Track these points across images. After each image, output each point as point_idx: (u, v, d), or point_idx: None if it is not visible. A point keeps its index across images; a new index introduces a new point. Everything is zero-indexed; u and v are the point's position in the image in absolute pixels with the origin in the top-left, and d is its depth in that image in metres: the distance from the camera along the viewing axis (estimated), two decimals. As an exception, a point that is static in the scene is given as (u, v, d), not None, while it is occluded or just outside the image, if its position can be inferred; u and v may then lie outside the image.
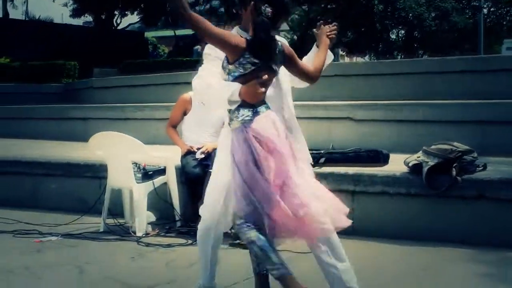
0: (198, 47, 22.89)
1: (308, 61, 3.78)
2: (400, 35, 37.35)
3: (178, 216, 5.92)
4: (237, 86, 3.38)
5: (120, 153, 5.70)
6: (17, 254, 5.10)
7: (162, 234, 5.72)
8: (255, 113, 3.39)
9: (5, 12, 30.90)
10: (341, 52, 20.57)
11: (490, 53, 27.90)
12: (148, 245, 5.34)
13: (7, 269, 4.59)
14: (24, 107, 11.82)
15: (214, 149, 5.85)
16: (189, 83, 7.13)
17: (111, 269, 4.64)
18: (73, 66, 17.11)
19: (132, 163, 5.75)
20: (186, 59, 19.28)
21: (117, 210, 6.15)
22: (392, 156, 6.02)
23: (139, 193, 5.67)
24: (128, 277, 4.37)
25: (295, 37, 36.04)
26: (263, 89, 3.39)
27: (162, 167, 5.97)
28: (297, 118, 7.25)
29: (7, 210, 6.74)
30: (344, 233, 5.43)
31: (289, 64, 3.55)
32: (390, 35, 36.54)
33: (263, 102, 3.46)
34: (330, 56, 3.92)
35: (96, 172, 6.70)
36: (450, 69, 8.56)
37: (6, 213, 6.58)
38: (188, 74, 11.08)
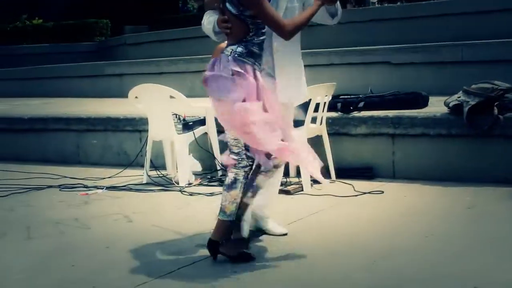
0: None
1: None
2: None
3: (219, 165, 5.97)
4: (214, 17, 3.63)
5: (160, 105, 5.74)
6: (65, 207, 5.22)
7: (205, 183, 5.79)
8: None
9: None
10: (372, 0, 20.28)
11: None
12: (191, 194, 5.42)
13: (56, 221, 4.71)
14: (58, 66, 11.95)
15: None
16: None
17: (158, 217, 4.73)
18: (105, 24, 17.10)
19: (172, 114, 5.79)
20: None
21: (158, 162, 6.23)
22: (432, 99, 5.99)
23: (180, 144, 5.73)
24: (175, 225, 4.45)
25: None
26: (223, 28, 3.54)
27: (202, 118, 6.01)
28: (332, 64, 7.23)
29: (52, 166, 6.89)
30: (385, 176, 5.54)
31: (247, 9, 3.43)
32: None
33: (235, 41, 3.51)
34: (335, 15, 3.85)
35: (136, 126, 6.78)
36: (485, 8, 8.39)
37: (51, 169, 6.73)
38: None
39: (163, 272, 3.45)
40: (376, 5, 20.20)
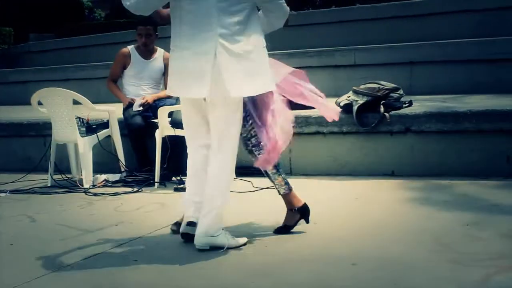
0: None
1: None
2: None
3: (123, 167, 6.12)
4: None
5: (64, 108, 5.84)
6: (-33, 210, 5.24)
7: (109, 184, 5.92)
8: None
9: None
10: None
11: None
12: (95, 194, 5.55)
13: (-41, 223, 4.74)
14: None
15: (154, 101, 6.10)
16: (127, 42, 7.32)
17: (62, 217, 4.84)
18: (8, 32, 16.83)
19: (76, 118, 5.89)
20: (124, 20, 19.08)
21: (62, 165, 6.31)
22: (327, 99, 6.31)
23: (84, 146, 5.84)
24: (79, 222, 4.57)
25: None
26: None
27: (105, 121, 6.14)
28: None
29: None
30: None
31: None
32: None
33: None
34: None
35: (39, 131, 6.84)
36: (381, 15, 8.90)
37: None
38: (125, 33, 11.21)
39: (64, 264, 3.59)
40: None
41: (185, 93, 3.79)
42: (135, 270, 3.47)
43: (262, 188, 5.38)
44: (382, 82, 5.72)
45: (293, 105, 5.75)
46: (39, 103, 6.06)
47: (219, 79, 3.52)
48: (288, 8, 3.83)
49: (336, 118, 4.25)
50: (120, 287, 3.22)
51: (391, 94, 5.63)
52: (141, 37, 6.25)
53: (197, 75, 3.57)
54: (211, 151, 3.80)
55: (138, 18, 6.59)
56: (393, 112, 5.54)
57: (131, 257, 3.68)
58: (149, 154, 6.01)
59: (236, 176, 5.73)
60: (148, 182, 5.78)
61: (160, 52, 6.46)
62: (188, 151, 3.98)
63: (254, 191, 5.38)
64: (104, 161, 6.18)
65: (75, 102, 5.94)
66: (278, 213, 4.18)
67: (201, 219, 3.74)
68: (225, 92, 3.55)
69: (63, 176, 6.13)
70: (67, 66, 10.16)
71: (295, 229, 4.08)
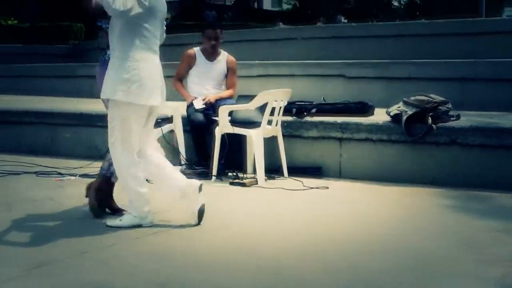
0: (213, 12, 23.31)
1: None
2: (402, 2, 37.75)
3: (183, 160, 6.55)
4: None
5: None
6: (42, 189, 5.76)
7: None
8: None
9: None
10: (343, 20, 21.13)
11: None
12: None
13: (34, 199, 5.26)
14: (33, 65, 12.40)
15: (216, 100, 6.53)
16: (192, 44, 7.75)
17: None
18: (79, 28, 17.60)
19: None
20: (191, 22, 19.71)
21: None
22: (379, 109, 6.64)
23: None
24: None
25: None
26: None
27: (169, 116, 6.59)
28: (294, 75, 7.94)
29: (26, 157, 7.36)
30: (332, 175, 6.18)
31: None
32: (392, 1, 36.96)
33: None
34: None
35: (107, 122, 7.29)
36: (436, 31, 9.16)
37: (25, 159, 7.21)
38: (192, 35, 11.69)
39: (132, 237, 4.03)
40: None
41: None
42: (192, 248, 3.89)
43: (312, 188, 5.73)
44: (432, 95, 6.00)
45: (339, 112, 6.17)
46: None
47: None
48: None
49: None
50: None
51: (440, 107, 5.91)
52: (210, 39, 6.68)
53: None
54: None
55: (207, 21, 7.07)
56: (440, 124, 5.82)
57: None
58: (208, 149, 6.40)
59: (288, 175, 6.16)
60: (206, 175, 6.16)
61: (223, 55, 6.88)
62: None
63: (303, 190, 5.73)
64: (166, 154, 6.60)
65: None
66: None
67: None
68: None
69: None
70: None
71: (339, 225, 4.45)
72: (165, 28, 4.71)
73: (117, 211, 4.75)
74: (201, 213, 4.46)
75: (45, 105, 8.45)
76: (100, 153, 7.05)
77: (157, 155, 4.73)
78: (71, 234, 4.27)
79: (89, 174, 6.39)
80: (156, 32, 4.45)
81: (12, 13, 18.31)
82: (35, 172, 6.53)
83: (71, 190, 5.70)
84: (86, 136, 7.55)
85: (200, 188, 4.48)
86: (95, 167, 6.65)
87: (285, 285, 3.29)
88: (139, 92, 4.32)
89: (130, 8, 4.18)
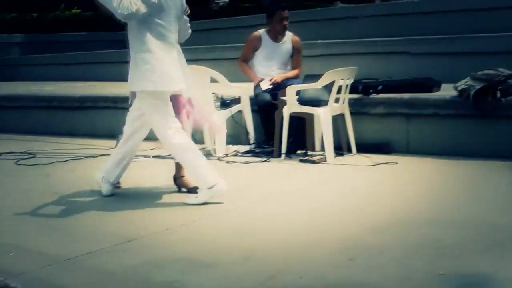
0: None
1: None
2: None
3: (252, 139, 6.71)
4: None
5: (202, 84, 6.48)
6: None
7: (239, 154, 6.53)
8: None
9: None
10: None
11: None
12: (228, 162, 6.18)
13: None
14: (99, 52, 12.75)
15: (283, 80, 6.64)
16: (255, 26, 7.88)
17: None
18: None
19: (212, 93, 6.54)
20: (247, 4, 19.81)
21: (198, 136, 6.95)
22: (446, 85, 6.65)
23: (218, 119, 6.46)
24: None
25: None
26: None
27: (238, 97, 6.75)
28: (358, 54, 7.97)
29: (101, 140, 7.63)
30: (400, 151, 6.24)
31: None
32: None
33: None
34: None
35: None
36: (502, 5, 9.00)
37: (101, 142, 7.51)
38: (253, 17, 11.82)
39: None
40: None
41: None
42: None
43: (381, 164, 5.81)
44: (500, 69, 5.98)
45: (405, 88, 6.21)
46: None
47: None
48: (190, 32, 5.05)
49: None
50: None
51: (508, 81, 5.89)
52: (282, 21, 6.79)
53: None
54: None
55: (264, 2, 7.17)
56: (509, 98, 5.80)
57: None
58: (277, 129, 6.54)
59: (357, 152, 6.25)
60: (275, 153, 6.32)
61: (288, 36, 6.99)
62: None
63: (372, 165, 5.81)
64: (235, 133, 6.80)
65: (212, 80, 6.59)
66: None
67: None
68: None
69: (198, 145, 6.75)
70: (197, 47, 10.87)
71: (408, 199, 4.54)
72: (188, 24, 5.00)
73: (193, 189, 4.94)
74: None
75: (117, 90, 8.70)
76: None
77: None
78: (152, 212, 4.48)
79: (162, 155, 6.62)
80: (171, 26, 4.69)
81: (75, 3, 18.69)
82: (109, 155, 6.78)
83: (143, 170, 5.93)
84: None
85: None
86: (167, 148, 6.92)
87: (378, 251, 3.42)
88: (162, 80, 4.59)
89: (136, 10, 4.42)
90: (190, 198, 4.73)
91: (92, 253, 3.54)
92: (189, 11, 4.98)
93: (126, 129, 5.00)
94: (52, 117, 8.77)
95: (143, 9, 4.46)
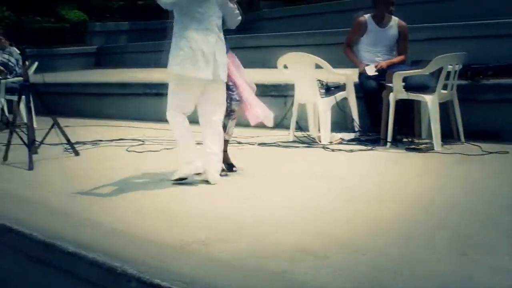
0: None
1: None
2: None
3: (357, 127, 6.67)
4: None
5: (306, 71, 6.51)
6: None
7: (344, 142, 6.50)
8: None
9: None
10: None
11: None
12: (333, 150, 6.17)
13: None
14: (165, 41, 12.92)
15: (388, 66, 6.55)
16: (354, 10, 7.78)
17: (305, 165, 5.59)
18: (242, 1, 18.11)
19: (317, 80, 6.54)
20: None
21: (301, 123, 6.99)
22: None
23: (323, 106, 6.48)
24: (319, 171, 5.29)
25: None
26: None
27: (342, 84, 6.72)
28: (466, 37, 7.71)
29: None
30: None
31: None
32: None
33: None
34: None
35: (281, 91, 7.58)
36: None
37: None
38: (352, 1, 11.69)
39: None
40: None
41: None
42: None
43: (491, 153, 5.64)
44: None
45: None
46: (284, 67, 6.77)
47: None
48: (240, 18, 5.20)
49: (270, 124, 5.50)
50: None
51: None
52: (388, 5, 6.70)
53: None
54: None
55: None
56: None
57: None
58: (381, 116, 6.47)
59: (465, 140, 6.09)
60: (379, 141, 6.25)
61: (394, 20, 6.87)
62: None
63: (482, 154, 5.65)
64: (340, 120, 6.78)
65: (317, 67, 6.58)
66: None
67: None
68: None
69: (303, 133, 6.81)
70: (299, 32, 10.87)
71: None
72: (237, 11, 5.16)
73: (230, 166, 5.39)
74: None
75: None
76: (276, 122, 7.32)
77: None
78: (255, 202, 4.54)
79: (267, 142, 6.71)
80: (210, 12, 4.90)
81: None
82: (217, 141, 6.92)
83: (250, 157, 6.06)
84: (261, 105, 7.83)
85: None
86: (272, 135, 7.00)
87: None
88: (189, 67, 4.86)
89: (173, 1, 4.81)
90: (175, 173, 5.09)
91: (202, 241, 3.60)
92: None
93: None
94: (161, 104, 8.98)
95: None
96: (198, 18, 4.87)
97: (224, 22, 5.11)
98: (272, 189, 4.84)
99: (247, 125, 7.73)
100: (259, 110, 5.40)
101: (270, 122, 5.46)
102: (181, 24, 4.92)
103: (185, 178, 5.04)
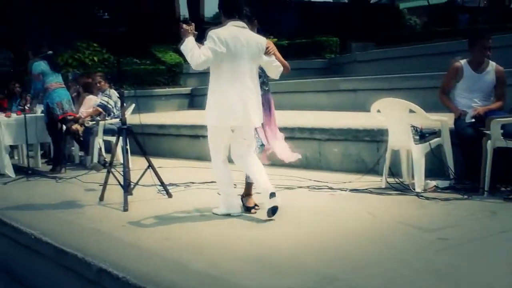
0: (466, 15, 22.67)
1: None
2: None
3: (452, 174, 6.48)
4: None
5: (400, 117, 6.40)
6: (316, 203, 6.08)
7: (439, 190, 6.32)
8: None
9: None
10: None
11: None
12: (427, 198, 6.00)
13: (313, 213, 5.60)
14: (296, 81, 13.03)
15: (485, 112, 6.36)
16: (449, 53, 7.62)
17: (400, 216, 5.40)
18: (334, 42, 18.15)
19: (411, 126, 6.42)
20: (443, 28, 19.31)
21: (394, 169, 6.86)
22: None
23: (417, 153, 6.34)
24: (416, 222, 5.10)
25: None
26: None
27: (437, 130, 6.56)
28: None
29: (297, 170, 7.79)
30: None
31: None
32: None
33: None
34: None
35: (374, 136, 7.49)
36: None
37: (296, 172, 7.65)
38: (448, 44, 11.53)
39: (420, 256, 4.12)
40: None
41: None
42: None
43: None
44: None
45: None
46: (378, 111, 6.70)
47: None
48: (281, 69, 5.66)
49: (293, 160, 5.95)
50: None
51: None
52: (485, 50, 6.53)
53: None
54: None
55: (461, 26, 6.91)
56: None
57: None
58: (478, 164, 6.25)
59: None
60: (476, 190, 6.04)
61: (491, 65, 6.67)
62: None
63: None
64: (434, 167, 6.61)
65: (411, 111, 6.47)
66: None
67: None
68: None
69: (396, 179, 6.68)
70: (392, 76, 10.78)
71: None
72: (275, 64, 5.58)
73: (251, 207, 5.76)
74: (269, 211, 5.37)
75: (312, 120, 8.84)
76: (368, 167, 7.28)
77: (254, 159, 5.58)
78: (350, 251, 4.46)
79: (359, 188, 6.61)
80: (245, 68, 5.32)
81: (270, 31, 19.34)
82: (308, 187, 6.90)
83: (343, 204, 5.94)
84: (354, 150, 7.78)
85: (271, 195, 5.34)
86: (364, 181, 6.91)
87: None
88: (220, 116, 5.37)
89: (204, 60, 5.16)
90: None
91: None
92: (272, 51, 5.55)
93: None
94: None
95: (211, 58, 5.17)
96: (232, 71, 5.29)
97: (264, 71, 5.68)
98: (366, 240, 4.75)
99: (336, 169, 7.76)
100: (283, 154, 5.90)
101: (293, 158, 5.96)
102: (215, 78, 5.39)
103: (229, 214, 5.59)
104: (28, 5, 19.20)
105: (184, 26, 5.35)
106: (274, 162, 8.23)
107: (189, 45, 5.27)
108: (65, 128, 9.48)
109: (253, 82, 5.42)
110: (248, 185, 5.86)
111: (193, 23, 5.42)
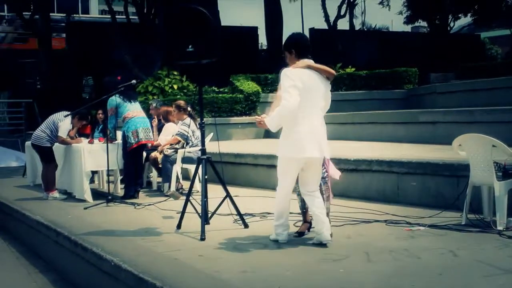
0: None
1: None
2: None
3: (537, 212, 6.26)
4: None
5: (483, 153, 6.25)
6: (393, 239, 5.96)
7: (525, 229, 6.12)
8: None
9: (351, 24, 32.95)
10: None
11: None
12: (510, 237, 5.81)
13: (389, 250, 5.47)
14: (373, 112, 12.95)
15: None
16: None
17: (480, 254, 5.23)
18: (414, 73, 17.98)
19: (493, 162, 6.25)
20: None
21: (474, 206, 6.67)
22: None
23: (500, 190, 6.16)
24: (497, 262, 4.94)
25: None
26: None
27: (520, 166, 6.36)
28: None
29: (374, 204, 7.71)
30: None
31: None
32: None
33: None
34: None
35: (454, 171, 7.32)
36: None
37: (373, 206, 7.56)
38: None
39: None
40: None
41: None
42: None
43: None
44: None
45: None
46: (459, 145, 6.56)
47: None
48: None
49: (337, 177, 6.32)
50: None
51: None
52: None
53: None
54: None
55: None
56: None
57: None
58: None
59: None
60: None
61: None
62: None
63: None
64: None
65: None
66: None
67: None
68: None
69: (477, 216, 6.50)
70: (474, 109, 10.55)
71: None
72: (329, 100, 5.87)
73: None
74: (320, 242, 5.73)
75: (390, 153, 8.74)
76: (447, 203, 7.11)
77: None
78: None
79: (438, 224, 6.47)
80: (316, 102, 5.65)
81: (350, 62, 19.42)
82: (385, 221, 6.79)
83: (422, 241, 5.82)
84: (433, 184, 7.63)
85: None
86: (443, 217, 6.75)
87: None
88: (294, 149, 5.57)
89: (295, 100, 5.46)
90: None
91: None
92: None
93: None
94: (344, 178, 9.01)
95: (297, 97, 5.47)
96: (305, 106, 5.55)
97: None
98: (444, 278, 4.62)
99: (415, 203, 7.61)
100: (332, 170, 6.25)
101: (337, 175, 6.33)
102: None
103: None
104: (118, 36, 19.89)
105: (257, 120, 5.92)
106: (349, 194, 8.30)
107: (275, 118, 5.66)
108: (145, 155, 9.68)
109: (321, 114, 5.76)
110: (304, 213, 6.30)
111: (261, 115, 5.99)
